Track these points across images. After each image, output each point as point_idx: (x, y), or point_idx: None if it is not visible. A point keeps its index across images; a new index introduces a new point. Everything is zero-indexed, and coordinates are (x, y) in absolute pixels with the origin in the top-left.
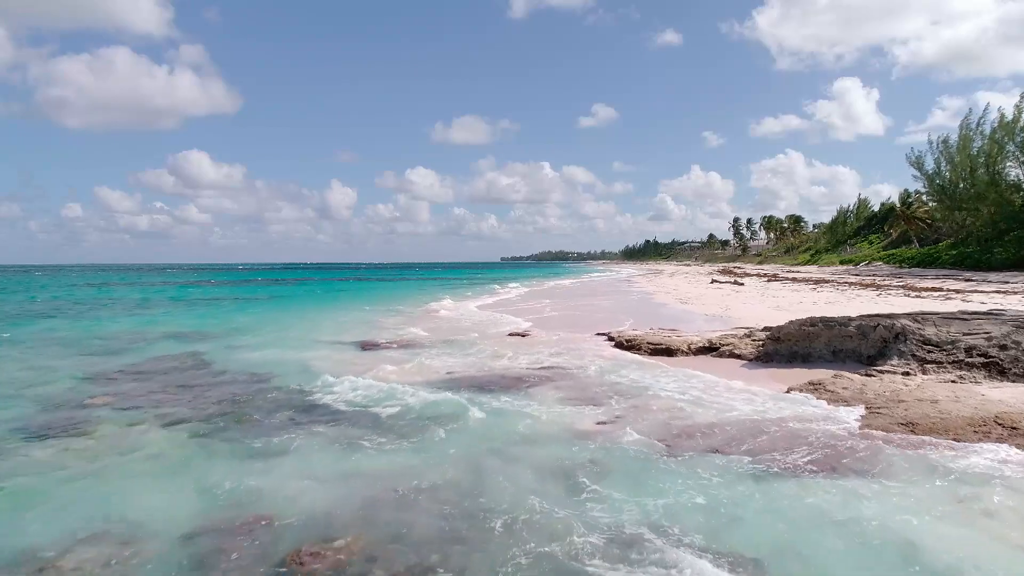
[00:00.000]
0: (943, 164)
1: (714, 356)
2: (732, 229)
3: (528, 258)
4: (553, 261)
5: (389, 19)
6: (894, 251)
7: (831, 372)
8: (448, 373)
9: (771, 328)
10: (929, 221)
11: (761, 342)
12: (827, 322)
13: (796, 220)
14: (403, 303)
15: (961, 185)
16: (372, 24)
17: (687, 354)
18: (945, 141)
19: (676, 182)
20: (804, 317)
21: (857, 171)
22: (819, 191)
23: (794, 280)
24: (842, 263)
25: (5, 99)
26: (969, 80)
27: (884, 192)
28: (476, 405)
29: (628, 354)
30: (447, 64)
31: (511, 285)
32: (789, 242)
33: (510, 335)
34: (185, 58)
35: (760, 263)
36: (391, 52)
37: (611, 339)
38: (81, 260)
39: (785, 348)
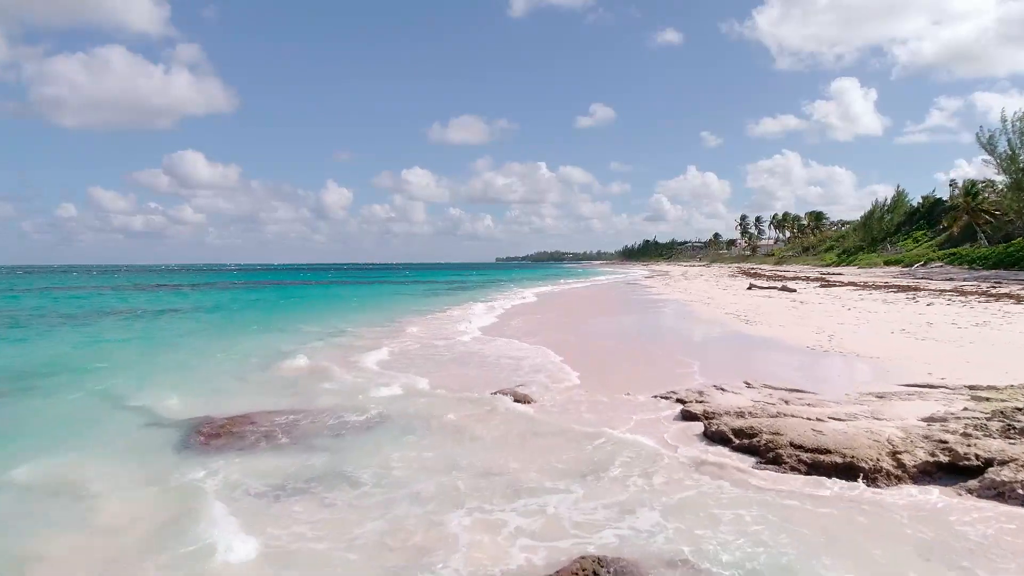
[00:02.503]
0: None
1: (976, 495)
2: (739, 227)
3: (524, 258)
4: (549, 261)
5: (388, 18)
6: (956, 250)
7: None
8: None
9: None
10: (996, 213)
11: None
12: None
13: (817, 216)
14: (367, 320)
15: None
16: (371, 23)
17: (897, 478)
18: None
19: (673, 182)
20: None
21: (854, 171)
22: (816, 191)
23: (853, 285)
24: (887, 263)
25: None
26: (968, 80)
27: (880, 192)
28: None
29: (745, 466)
30: (446, 64)
31: (513, 291)
32: (808, 240)
33: (511, 397)
34: (182, 57)
35: (777, 263)
36: (390, 51)
37: (689, 415)
38: (75, 261)
39: None
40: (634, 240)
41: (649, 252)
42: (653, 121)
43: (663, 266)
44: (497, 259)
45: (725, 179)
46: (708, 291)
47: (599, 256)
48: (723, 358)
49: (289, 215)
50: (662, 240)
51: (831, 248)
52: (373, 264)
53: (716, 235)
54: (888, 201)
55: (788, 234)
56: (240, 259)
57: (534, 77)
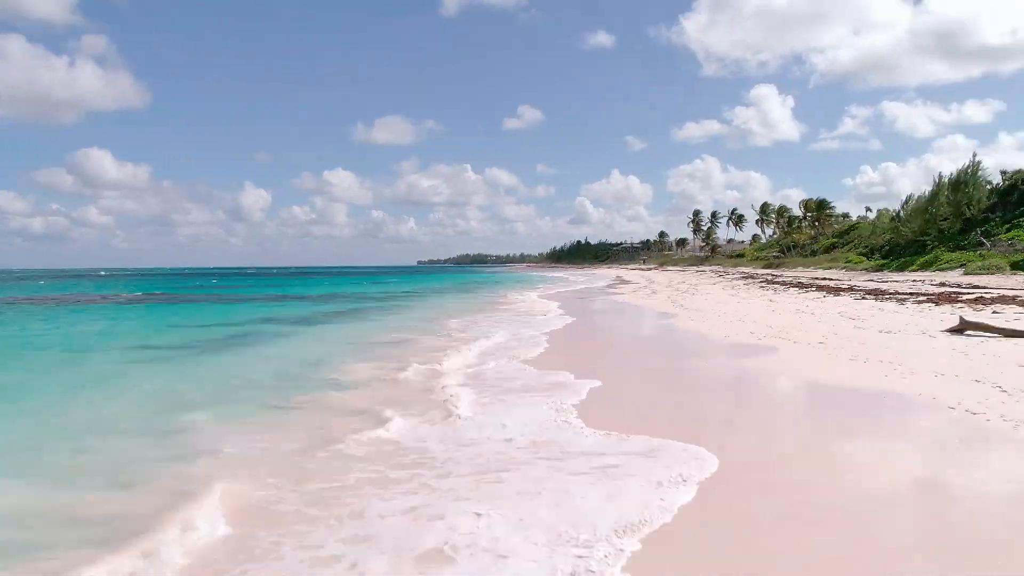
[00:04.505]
0: None
1: None
2: (692, 225)
3: (446, 261)
4: (472, 264)
5: (312, 14)
6: None
7: None
8: None
9: None
10: None
11: None
12: None
13: (820, 205)
14: None
15: None
16: (292, 19)
17: None
18: None
19: (596, 185)
20: None
21: (769, 176)
22: (733, 195)
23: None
24: (1017, 268)
25: None
26: (881, 89)
27: (794, 196)
28: None
29: None
30: (372, 62)
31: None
32: (801, 237)
33: None
34: (89, 48)
35: (768, 266)
36: (313, 49)
37: None
38: None
39: None
40: (559, 242)
41: (581, 254)
42: (580, 124)
43: (613, 270)
44: (419, 262)
45: (647, 183)
46: (780, 322)
47: (523, 259)
48: None
49: (204, 217)
50: (592, 241)
51: (849, 245)
52: (285, 269)
53: (662, 233)
54: (952, 177)
55: (771, 230)
56: (151, 263)
57: (464, 77)
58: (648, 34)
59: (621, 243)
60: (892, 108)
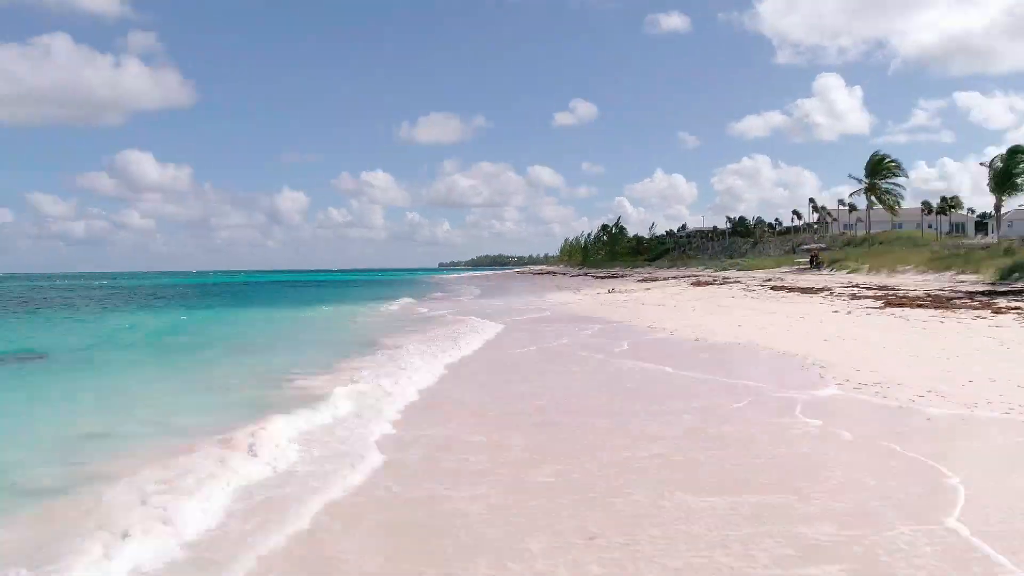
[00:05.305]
0: None
1: None
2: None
3: (466, 263)
4: (490, 266)
5: (362, 11)
6: None
7: None
8: None
9: None
10: None
11: None
12: None
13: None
14: None
15: None
16: (343, 17)
17: None
18: None
19: (639, 185)
20: None
21: (823, 173)
22: (780, 193)
23: None
24: None
25: None
26: (960, 78)
27: (843, 193)
28: None
29: None
30: (422, 57)
31: None
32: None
33: None
34: (135, 46)
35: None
36: (363, 46)
37: None
38: (11, 270)
39: None
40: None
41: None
42: (633, 119)
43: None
44: (440, 264)
45: (692, 180)
46: None
47: (545, 260)
48: None
49: (241, 220)
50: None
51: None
52: (317, 271)
53: (795, 212)
54: None
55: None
56: (192, 267)
57: (516, 70)
58: (719, 19)
59: (688, 232)
60: (967, 98)
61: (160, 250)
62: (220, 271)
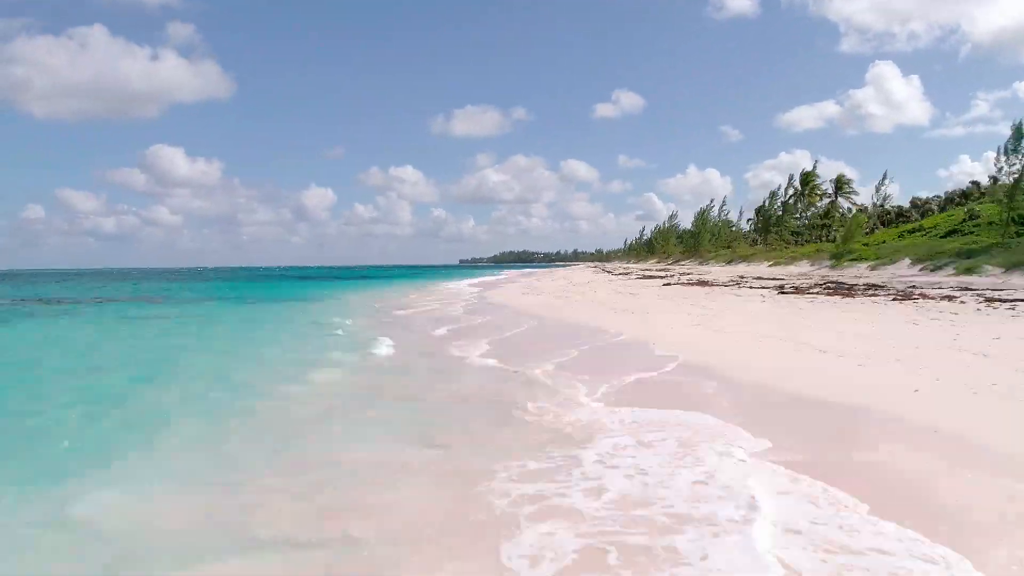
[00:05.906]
0: None
1: None
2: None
3: (488, 260)
4: (513, 263)
5: (403, 5)
6: None
7: None
8: None
9: None
10: None
11: None
12: None
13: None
14: None
15: None
16: (382, 11)
17: None
18: None
19: (672, 181)
20: None
21: (868, 167)
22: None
23: None
24: None
25: None
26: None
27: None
28: None
29: None
30: (463, 47)
31: None
32: None
33: None
34: (175, 37)
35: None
36: (405, 39)
37: None
38: (41, 265)
39: None
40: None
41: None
42: (679, 111)
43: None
44: (461, 261)
45: (727, 175)
46: None
47: (576, 256)
48: None
49: (268, 216)
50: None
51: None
52: (343, 268)
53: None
54: None
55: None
56: (215, 263)
57: (559, 59)
58: (781, 4)
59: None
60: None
61: (187, 246)
62: (229, 268)
